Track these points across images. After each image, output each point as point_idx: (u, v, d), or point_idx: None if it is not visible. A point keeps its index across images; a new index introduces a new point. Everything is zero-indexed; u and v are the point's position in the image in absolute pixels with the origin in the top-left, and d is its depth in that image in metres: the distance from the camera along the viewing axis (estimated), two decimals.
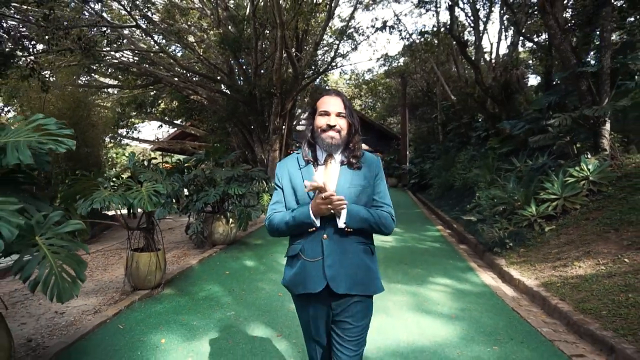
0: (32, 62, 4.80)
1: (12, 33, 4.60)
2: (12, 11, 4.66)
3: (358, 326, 1.57)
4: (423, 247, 6.52)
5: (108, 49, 7.99)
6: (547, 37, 9.25)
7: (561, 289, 3.87)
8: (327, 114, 1.61)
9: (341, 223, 1.53)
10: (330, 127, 1.59)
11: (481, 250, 5.96)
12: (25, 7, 5.02)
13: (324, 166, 1.65)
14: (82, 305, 4.17)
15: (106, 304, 4.18)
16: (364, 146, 1.80)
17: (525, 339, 3.04)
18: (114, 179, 4.08)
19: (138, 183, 4.00)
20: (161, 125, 16.23)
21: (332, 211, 1.51)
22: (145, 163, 4.51)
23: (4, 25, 4.38)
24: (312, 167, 1.65)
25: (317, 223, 1.54)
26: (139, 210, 4.21)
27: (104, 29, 7.08)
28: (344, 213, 1.52)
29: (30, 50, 4.69)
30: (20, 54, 4.66)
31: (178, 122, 16.20)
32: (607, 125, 5.92)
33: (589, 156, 5.95)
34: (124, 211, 4.31)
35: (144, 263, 4.28)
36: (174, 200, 5.56)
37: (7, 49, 4.61)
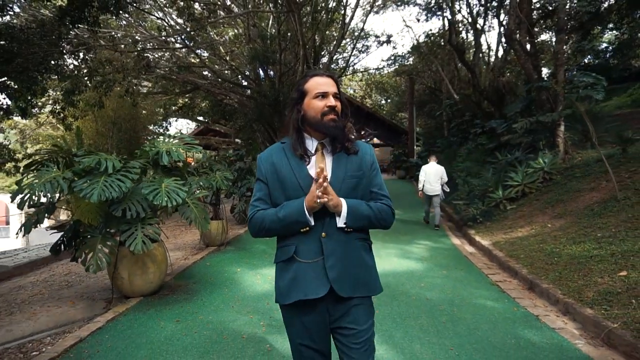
0: (128, 85, 6.75)
1: (115, 65, 6.53)
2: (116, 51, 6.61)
3: (362, 330, 1.40)
4: (414, 222, 8.27)
5: (177, 70, 9.94)
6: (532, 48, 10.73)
7: (503, 245, 5.59)
8: (325, 95, 1.43)
9: (340, 223, 1.39)
10: (332, 109, 1.42)
11: (460, 225, 7.67)
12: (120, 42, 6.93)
13: (315, 156, 1.47)
14: (172, 256, 6.12)
15: (189, 255, 6.12)
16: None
17: (465, 268, 4.81)
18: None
19: (211, 171, 5.87)
20: (199, 125, 18.27)
21: (331, 208, 1.37)
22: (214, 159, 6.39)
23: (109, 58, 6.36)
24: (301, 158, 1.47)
25: (312, 222, 1.38)
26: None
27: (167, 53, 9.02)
28: (344, 211, 1.38)
29: (125, 75, 6.60)
30: (119, 79, 6.60)
31: (200, 118, 18.23)
32: (562, 127, 7.51)
33: (546, 151, 7.56)
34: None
35: (214, 228, 6.20)
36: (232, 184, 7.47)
37: (111, 76, 6.55)
